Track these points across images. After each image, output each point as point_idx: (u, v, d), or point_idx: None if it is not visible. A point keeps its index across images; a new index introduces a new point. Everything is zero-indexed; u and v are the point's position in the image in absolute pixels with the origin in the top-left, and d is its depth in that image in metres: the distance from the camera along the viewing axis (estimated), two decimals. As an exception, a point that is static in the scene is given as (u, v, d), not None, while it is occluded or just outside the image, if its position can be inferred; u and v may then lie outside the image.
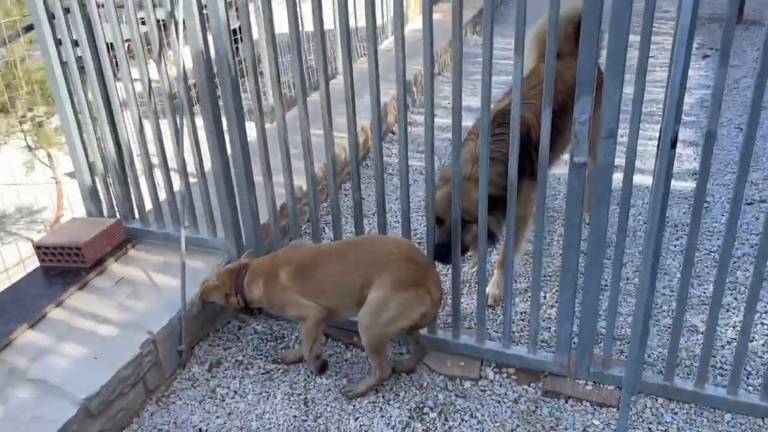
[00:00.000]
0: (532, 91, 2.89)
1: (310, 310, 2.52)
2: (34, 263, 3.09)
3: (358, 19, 5.85)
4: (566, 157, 2.69)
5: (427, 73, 2.29)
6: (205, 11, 2.50)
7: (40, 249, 2.98)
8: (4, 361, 2.42)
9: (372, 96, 2.45)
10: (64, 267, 2.93)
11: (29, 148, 6.67)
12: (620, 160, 2.18)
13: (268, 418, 2.48)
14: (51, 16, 2.82)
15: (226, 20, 2.49)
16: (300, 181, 3.19)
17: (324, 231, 3.69)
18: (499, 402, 2.53)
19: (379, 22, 6.69)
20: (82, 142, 3.09)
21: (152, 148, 3.00)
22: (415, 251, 2.52)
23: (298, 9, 2.45)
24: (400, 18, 2.26)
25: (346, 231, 3.63)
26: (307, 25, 2.73)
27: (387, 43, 6.50)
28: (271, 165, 2.80)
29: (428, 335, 2.72)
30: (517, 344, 2.73)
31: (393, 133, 5.20)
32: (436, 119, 2.45)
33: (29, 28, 3.53)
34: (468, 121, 3.17)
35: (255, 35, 2.83)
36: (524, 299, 3.08)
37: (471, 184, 2.60)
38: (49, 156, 6.86)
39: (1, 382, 2.31)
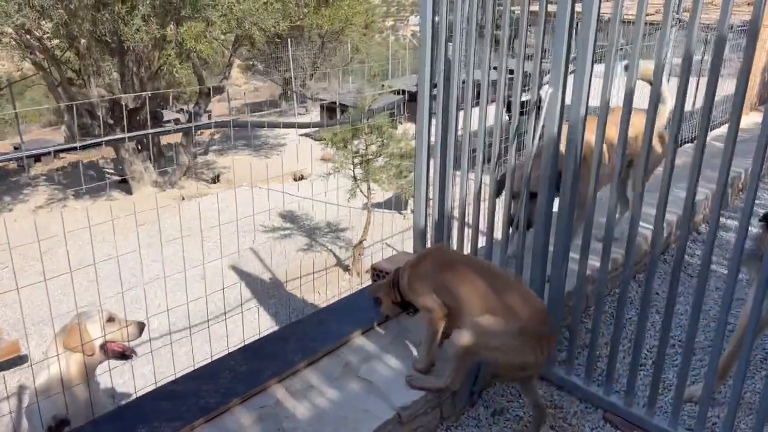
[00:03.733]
0: None
1: (436, 307, 2.79)
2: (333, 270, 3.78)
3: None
4: None
5: (753, 174, 2.33)
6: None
7: (375, 270, 3.61)
8: (341, 356, 3.01)
9: (689, 189, 2.54)
10: (391, 291, 3.51)
11: (355, 179, 7.92)
12: None
13: (542, 478, 2.67)
14: (432, 86, 3.47)
15: (583, 119, 2.81)
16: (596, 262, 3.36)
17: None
18: None
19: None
20: (426, 191, 3.67)
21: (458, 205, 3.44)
22: (546, 313, 2.68)
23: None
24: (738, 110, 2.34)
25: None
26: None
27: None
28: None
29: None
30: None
31: (698, 233, 5.03)
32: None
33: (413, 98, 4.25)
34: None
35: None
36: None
37: None
38: (369, 189, 8.01)
39: (339, 372, 2.88)
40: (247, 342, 3.08)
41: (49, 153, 16.56)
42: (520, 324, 2.58)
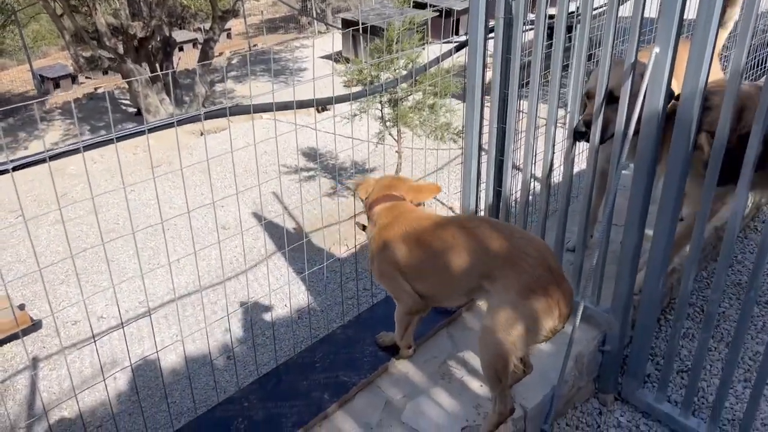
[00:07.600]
0: None
1: (406, 297, 2.22)
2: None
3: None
4: None
5: None
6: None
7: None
8: (379, 391, 2.43)
9: None
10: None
11: (383, 120, 7.12)
12: None
13: None
14: (488, 31, 2.71)
15: (702, 92, 2.04)
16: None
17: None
18: None
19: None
20: (480, 125, 2.94)
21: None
22: (551, 256, 2.04)
23: None
24: None
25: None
26: None
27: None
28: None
29: None
30: None
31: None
32: None
33: (461, 46, 3.45)
34: None
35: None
36: None
37: None
38: (399, 132, 7.23)
39: (379, 417, 2.31)
40: (261, 372, 2.52)
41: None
42: (525, 283, 1.95)
